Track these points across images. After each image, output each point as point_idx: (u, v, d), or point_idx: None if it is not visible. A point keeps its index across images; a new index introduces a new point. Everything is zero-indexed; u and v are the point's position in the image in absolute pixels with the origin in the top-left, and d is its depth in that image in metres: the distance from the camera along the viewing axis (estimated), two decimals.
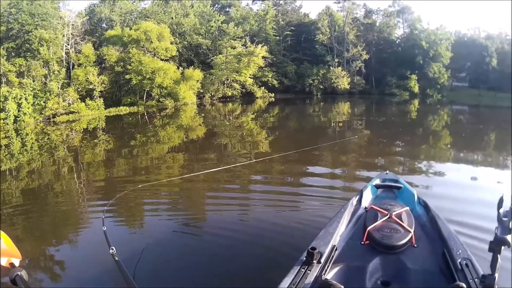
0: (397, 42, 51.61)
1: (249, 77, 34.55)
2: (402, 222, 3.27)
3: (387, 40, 49.48)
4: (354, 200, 4.16)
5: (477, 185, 8.02)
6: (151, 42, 29.58)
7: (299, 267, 2.72)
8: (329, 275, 2.77)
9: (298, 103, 34.20)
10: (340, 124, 19.54)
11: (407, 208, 3.61)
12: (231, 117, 23.22)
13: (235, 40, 36.73)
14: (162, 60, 30.15)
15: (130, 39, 29.03)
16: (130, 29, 30.51)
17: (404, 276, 2.77)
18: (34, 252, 4.92)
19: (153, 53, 29.90)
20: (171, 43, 32.08)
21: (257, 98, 35.48)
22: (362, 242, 3.18)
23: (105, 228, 3.30)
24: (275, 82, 38.12)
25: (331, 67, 41.72)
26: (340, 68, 41.99)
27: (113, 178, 8.58)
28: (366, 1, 66.96)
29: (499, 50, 59.85)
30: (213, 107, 29.42)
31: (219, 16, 38.99)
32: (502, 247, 1.98)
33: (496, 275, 2.06)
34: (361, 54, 43.61)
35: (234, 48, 35.25)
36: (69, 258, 4.88)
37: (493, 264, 2.05)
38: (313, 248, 2.81)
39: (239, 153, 11.71)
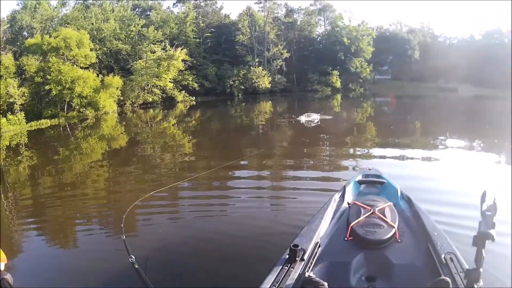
0: (318, 39, 57.16)
1: (169, 81, 36.99)
2: (386, 217, 3.58)
3: (308, 38, 55.05)
4: (337, 196, 4.55)
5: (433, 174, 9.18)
6: (71, 49, 30.66)
7: (282, 264, 2.96)
8: (313, 272, 2.99)
9: (220, 105, 37.07)
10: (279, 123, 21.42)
11: (391, 203, 3.96)
12: (153, 123, 24.83)
13: (155, 44, 39.11)
14: (81, 68, 31.30)
15: (50, 47, 29.98)
16: (50, 36, 31.40)
17: (388, 272, 3.04)
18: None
19: (72, 61, 30.97)
20: (91, 49, 33.34)
21: (178, 102, 37.91)
22: (346, 238, 3.45)
23: (124, 237, 3.53)
24: (195, 85, 41.14)
25: (251, 67, 45.95)
26: (260, 67, 46.49)
27: (41, 196, 8.79)
28: (287, 0, 73.17)
29: (421, 43, 68.76)
30: (134, 115, 30.93)
31: (140, 20, 41.46)
32: (486, 241, 2.15)
33: (481, 269, 2.22)
34: (282, 52, 48.36)
35: (153, 52, 37.54)
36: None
37: (478, 258, 2.21)
38: (296, 245, 3.07)
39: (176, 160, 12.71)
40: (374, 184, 5.07)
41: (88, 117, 29.02)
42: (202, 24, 48.14)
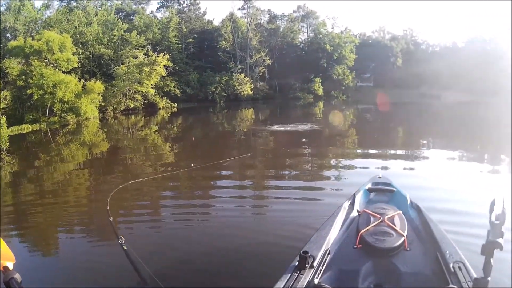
0: (300, 46, 58.54)
1: (151, 87, 37.34)
2: (395, 225, 3.70)
3: (291, 45, 56.33)
4: (347, 204, 4.66)
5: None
6: (53, 53, 30.96)
7: (292, 271, 3.04)
8: (322, 279, 3.11)
9: (202, 112, 37.53)
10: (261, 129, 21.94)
11: (400, 211, 4.08)
12: (134, 130, 24.93)
13: (138, 49, 39.48)
14: (63, 72, 31.49)
15: (32, 50, 30.26)
16: (33, 39, 31.70)
17: (397, 280, 3.12)
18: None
19: (54, 65, 31.20)
20: (73, 53, 33.57)
21: (160, 109, 38.12)
22: (355, 246, 3.58)
23: (111, 219, 3.60)
24: (177, 91, 41.76)
25: (234, 74, 47.04)
26: (243, 74, 47.67)
27: (22, 203, 8.77)
28: (272, 3, 74.88)
29: (404, 51, 70.84)
30: (115, 121, 30.94)
31: (123, 24, 41.94)
32: (495, 250, 2.19)
33: (489, 278, 2.25)
34: (264, 59, 49.68)
35: (136, 57, 37.80)
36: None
37: (486, 267, 2.24)
38: (306, 252, 3.15)
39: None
40: (383, 192, 5.24)
41: (70, 122, 29.05)
42: (185, 30, 49.09)
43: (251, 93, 47.67)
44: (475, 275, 2.66)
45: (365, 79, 66.56)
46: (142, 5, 53.87)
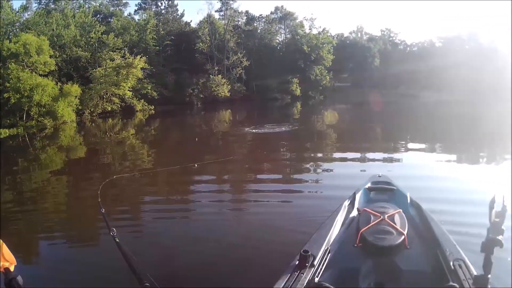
0: (278, 47, 60.07)
1: (128, 90, 37.33)
2: (395, 224, 3.78)
3: (269, 46, 57.81)
4: (347, 203, 4.82)
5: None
6: (30, 56, 30.97)
7: (292, 270, 3.10)
8: (322, 278, 3.16)
9: (179, 114, 38.22)
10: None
11: (400, 210, 4.16)
12: (111, 133, 25.28)
13: (115, 51, 39.66)
14: (40, 75, 31.45)
15: (10, 53, 30.38)
16: (10, 41, 31.68)
17: (397, 278, 3.20)
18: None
19: (31, 68, 31.20)
20: (50, 56, 33.58)
21: (137, 111, 38.21)
22: (355, 245, 3.67)
23: (103, 210, 3.65)
24: (154, 93, 41.88)
25: (211, 76, 48.03)
26: (220, 76, 48.62)
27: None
28: (250, 5, 76.05)
29: (381, 51, 72.85)
30: (93, 124, 31.21)
31: (100, 26, 42.03)
32: (495, 248, 2.27)
33: (489, 275, 2.34)
34: (241, 61, 50.93)
35: (113, 60, 38.06)
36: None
37: (486, 264, 2.32)
38: (306, 251, 3.21)
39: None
40: (384, 191, 5.35)
41: (47, 126, 28.93)
42: (162, 32, 49.79)
43: (229, 95, 48.55)
44: (475, 273, 2.83)
45: (342, 79, 68.50)
46: (120, 7, 54.79)
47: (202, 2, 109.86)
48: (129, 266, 2.61)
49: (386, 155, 14.41)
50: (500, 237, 2.26)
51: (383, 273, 3.30)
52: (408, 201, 4.91)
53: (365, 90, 63.39)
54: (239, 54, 51.73)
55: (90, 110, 35.63)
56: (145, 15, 50.96)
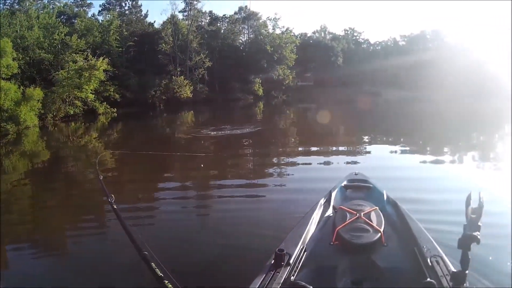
0: (241, 48, 61.68)
1: (91, 92, 37.46)
2: (371, 221, 3.85)
3: (232, 46, 59.26)
4: (323, 201, 4.90)
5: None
6: None
7: (268, 270, 3.11)
8: (299, 277, 3.19)
9: (142, 116, 38.02)
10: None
11: (376, 207, 4.24)
12: (74, 138, 25.51)
13: (78, 53, 39.76)
14: (3, 79, 31.06)
15: None
16: None
17: (375, 275, 3.25)
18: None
19: None
20: (14, 59, 33.30)
21: (100, 114, 38.00)
22: (332, 243, 3.71)
23: (102, 177, 3.75)
24: (117, 96, 41.73)
25: (173, 77, 48.90)
26: (182, 77, 49.63)
27: None
28: (214, 5, 77.16)
29: (345, 50, 75.46)
30: (56, 129, 31.15)
31: (63, 27, 42.12)
32: (472, 244, 2.33)
33: (467, 271, 2.41)
34: (204, 61, 51.95)
35: (75, 62, 38.01)
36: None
37: (463, 260, 2.40)
38: (281, 250, 3.23)
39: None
40: (360, 188, 5.41)
41: (10, 132, 28.28)
42: (126, 33, 50.43)
43: (191, 96, 49.74)
44: (453, 269, 2.87)
45: (305, 78, 70.44)
46: (84, 7, 55.21)
47: (166, 3, 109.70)
48: (127, 235, 2.59)
49: (359, 153, 15.25)
50: (476, 233, 2.31)
51: (360, 271, 3.35)
52: (385, 198, 5.02)
53: (328, 89, 65.47)
54: (201, 54, 52.70)
55: (53, 114, 35.25)
56: (109, 16, 51.44)
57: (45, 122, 34.03)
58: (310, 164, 13.35)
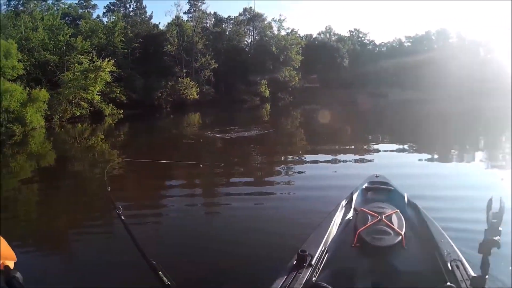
0: (246, 49, 61.67)
1: (97, 94, 37.39)
2: (392, 224, 3.89)
3: (237, 48, 59.23)
4: (344, 203, 4.97)
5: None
6: None
7: (290, 270, 3.17)
8: (320, 278, 3.25)
9: (148, 118, 38.15)
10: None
11: (397, 210, 4.30)
12: (81, 139, 25.32)
13: (83, 55, 39.81)
14: (9, 80, 31.19)
15: None
16: None
17: (394, 278, 3.31)
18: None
19: None
20: (19, 60, 33.47)
21: (106, 116, 37.83)
22: (353, 245, 3.76)
23: (109, 189, 3.49)
24: (123, 97, 41.67)
25: (179, 78, 48.74)
26: (188, 78, 49.39)
27: None
28: (218, 6, 77.40)
29: (350, 51, 75.50)
30: (62, 130, 31.15)
31: (68, 29, 42.20)
32: (493, 249, 2.31)
33: (487, 276, 2.38)
34: (210, 63, 51.84)
35: (81, 63, 38.13)
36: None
37: (484, 265, 2.36)
38: (304, 251, 3.30)
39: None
40: (381, 191, 5.47)
41: (16, 133, 28.45)
42: (131, 34, 50.35)
43: (197, 97, 49.53)
44: (472, 274, 2.87)
45: (311, 80, 70.18)
46: (88, 9, 55.29)
47: (171, 4, 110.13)
48: (135, 245, 2.59)
49: (379, 155, 15.15)
50: (497, 238, 2.32)
51: (380, 274, 3.40)
52: (406, 201, 5.06)
53: (334, 90, 65.32)
54: (207, 56, 52.63)
55: (59, 115, 35.25)
56: (114, 17, 51.54)
57: (52, 123, 34.07)
58: (333, 165, 13.37)
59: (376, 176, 6.06)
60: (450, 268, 3.19)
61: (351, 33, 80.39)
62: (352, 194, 5.29)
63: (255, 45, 62.80)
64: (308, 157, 15.08)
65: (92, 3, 57.44)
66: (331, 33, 77.40)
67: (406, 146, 17.14)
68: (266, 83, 57.77)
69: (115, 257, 6.05)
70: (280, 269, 3.27)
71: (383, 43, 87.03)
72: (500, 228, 2.31)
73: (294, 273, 3.12)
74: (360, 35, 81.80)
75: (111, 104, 40.07)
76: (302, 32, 74.74)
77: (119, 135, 28.22)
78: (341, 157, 14.74)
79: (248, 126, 24.93)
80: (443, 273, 3.23)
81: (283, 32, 64.50)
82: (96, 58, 39.26)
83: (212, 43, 56.09)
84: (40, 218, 9.05)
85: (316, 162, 13.99)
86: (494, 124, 25.47)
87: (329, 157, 14.73)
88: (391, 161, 13.83)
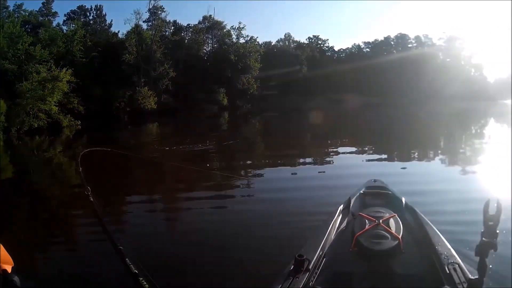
0: (205, 57, 63.61)
1: (54, 104, 37.35)
2: (390, 228, 3.92)
3: (196, 56, 61.06)
4: (342, 207, 5.12)
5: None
6: None
7: (287, 275, 3.23)
8: (317, 282, 3.30)
9: (106, 128, 37.72)
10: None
11: (395, 214, 4.31)
12: (39, 151, 25.34)
13: (41, 64, 39.70)
14: None
15: None
16: None
17: (392, 282, 3.35)
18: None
19: None
20: None
21: (64, 127, 37.39)
22: (350, 249, 3.81)
23: (81, 169, 3.48)
24: (81, 108, 41.54)
25: (137, 88, 49.82)
26: (146, 88, 50.50)
27: None
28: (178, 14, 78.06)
29: (309, 58, 78.59)
30: (20, 142, 31.05)
31: (28, 37, 41.89)
32: (489, 251, 2.38)
33: (484, 278, 2.45)
34: (168, 72, 53.24)
35: (38, 73, 38.15)
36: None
37: (481, 267, 2.45)
38: (301, 256, 3.36)
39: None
40: (379, 195, 5.51)
41: None
42: (90, 43, 50.91)
43: (155, 107, 50.56)
44: (470, 276, 2.98)
45: (270, 87, 72.63)
46: (49, 16, 55.74)
47: (131, 12, 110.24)
48: (102, 228, 2.54)
49: (381, 159, 15.81)
50: (494, 240, 2.39)
51: (378, 278, 3.44)
52: (403, 205, 5.15)
53: (293, 97, 68.52)
54: (165, 65, 54.09)
55: (17, 127, 35.02)
56: (73, 25, 52.00)
57: (10, 135, 33.82)
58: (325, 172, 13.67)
59: (374, 181, 6.20)
60: (447, 271, 3.29)
61: (310, 40, 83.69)
62: (350, 199, 5.44)
63: (214, 53, 64.91)
64: (261, 167, 15.36)
65: (53, 10, 58.13)
66: (290, 40, 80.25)
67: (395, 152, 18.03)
68: (225, 91, 59.80)
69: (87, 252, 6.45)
70: (277, 274, 3.37)
71: (342, 50, 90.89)
72: (497, 231, 2.39)
73: (292, 278, 3.20)
74: (319, 42, 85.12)
75: (69, 115, 39.93)
76: (261, 40, 77.08)
77: (77, 146, 27.75)
78: (302, 160, 15.93)
79: (208, 138, 25.18)
80: (440, 276, 3.32)
81: (242, 40, 66.88)
82: (54, 67, 39.60)
83: (171, 51, 57.36)
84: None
85: (305, 165, 14.82)
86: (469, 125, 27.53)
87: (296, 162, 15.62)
88: (386, 167, 14.28)
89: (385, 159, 15.80)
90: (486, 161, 14.52)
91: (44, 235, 7.96)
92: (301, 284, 3.16)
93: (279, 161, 16.51)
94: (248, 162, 16.90)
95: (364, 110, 47.19)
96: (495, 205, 2.42)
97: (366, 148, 18.86)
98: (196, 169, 12.03)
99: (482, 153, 17.02)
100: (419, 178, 11.42)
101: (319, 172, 13.39)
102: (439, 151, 17.93)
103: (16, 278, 1.91)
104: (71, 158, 20.48)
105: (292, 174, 13.27)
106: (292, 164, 15.26)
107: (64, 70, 39.13)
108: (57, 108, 38.68)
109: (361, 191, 5.71)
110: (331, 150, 18.97)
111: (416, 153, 17.43)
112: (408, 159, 15.97)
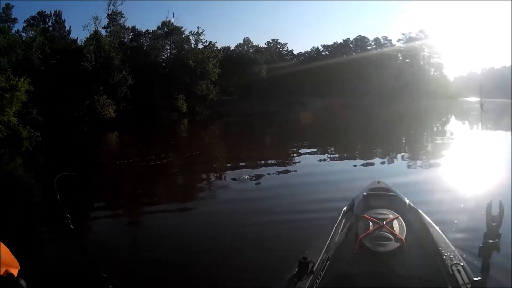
0: (164, 64, 64.89)
1: (13, 115, 36.31)
2: (394, 230, 4.10)
3: (154, 63, 62.18)
4: (346, 209, 5.26)
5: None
6: None
7: (291, 277, 3.32)
8: (322, 284, 3.42)
9: (66, 138, 37.77)
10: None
11: (399, 216, 4.52)
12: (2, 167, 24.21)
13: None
14: None
15: None
16: None
17: (396, 283, 3.47)
18: None
19: None
20: None
21: (24, 139, 36.58)
22: (354, 251, 4.00)
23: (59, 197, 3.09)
24: (40, 118, 41.06)
25: (96, 96, 49.85)
26: (105, 96, 50.72)
27: None
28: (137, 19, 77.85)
29: (268, 62, 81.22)
30: None
31: None
32: (492, 252, 2.45)
33: (487, 279, 2.53)
34: (127, 79, 53.80)
35: None
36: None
37: (484, 268, 2.52)
38: (305, 258, 3.45)
39: None
40: (382, 197, 5.67)
41: None
42: (48, 50, 50.71)
43: (114, 115, 50.81)
44: (473, 277, 3.09)
45: (229, 92, 75.07)
46: (9, 23, 55.65)
47: (89, 18, 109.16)
48: (84, 255, 2.56)
49: (384, 161, 16.42)
50: (497, 241, 2.46)
51: (382, 279, 3.59)
52: (407, 206, 5.28)
53: (253, 101, 71.00)
54: (124, 72, 54.72)
55: None
56: (33, 32, 51.94)
57: None
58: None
59: (377, 182, 6.33)
60: (451, 272, 3.38)
61: (269, 44, 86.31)
62: (353, 201, 5.59)
63: (173, 59, 66.01)
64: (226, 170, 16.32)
65: (13, 16, 58.12)
66: (249, 45, 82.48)
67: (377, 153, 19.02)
68: (184, 97, 61.23)
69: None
70: (282, 277, 3.46)
71: (301, 53, 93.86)
72: (500, 231, 2.49)
73: (296, 280, 3.30)
74: (278, 46, 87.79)
75: (28, 126, 39.43)
76: (220, 45, 79.76)
77: (38, 159, 28.41)
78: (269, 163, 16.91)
79: (169, 147, 26.04)
80: (444, 277, 3.43)
81: (200, 45, 68.72)
82: (12, 76, 39.47)
83: (129, 58, 58.33)
84: None
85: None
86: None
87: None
88: (389, 167, 15.00)
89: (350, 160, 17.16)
90: (486, 161, 14.68)
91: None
92: (305, 286, 3.30)
93: (240, 165, 17.35)
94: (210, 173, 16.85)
95: (325, 112, 49.55)
96: (499, 205, 2.54)
97: (329, 151, 20.23)
98: None
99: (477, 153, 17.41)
100: (416, 178, 12.04)
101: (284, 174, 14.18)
102: (422, 152, 19.20)
103: (22, 282, 1.94)
104: (39, 179, 19.25)
105: (255, 182, 13.43)
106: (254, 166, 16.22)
107: (22, 79, 39.27)
108: (16, 119, 38.40)
109: (364, 193, 5.87)
110: (294, 152, 20.10)
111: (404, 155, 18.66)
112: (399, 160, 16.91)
